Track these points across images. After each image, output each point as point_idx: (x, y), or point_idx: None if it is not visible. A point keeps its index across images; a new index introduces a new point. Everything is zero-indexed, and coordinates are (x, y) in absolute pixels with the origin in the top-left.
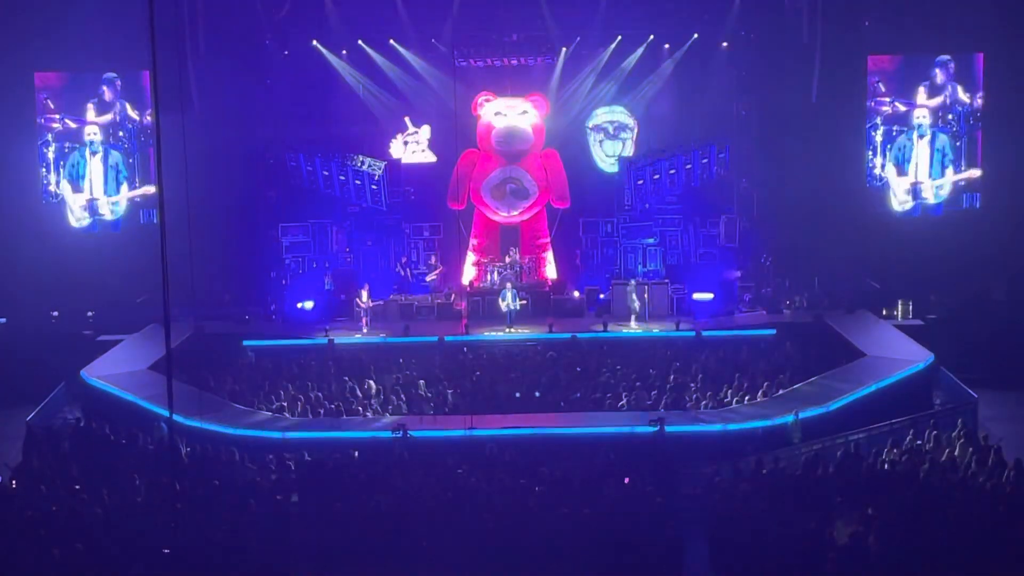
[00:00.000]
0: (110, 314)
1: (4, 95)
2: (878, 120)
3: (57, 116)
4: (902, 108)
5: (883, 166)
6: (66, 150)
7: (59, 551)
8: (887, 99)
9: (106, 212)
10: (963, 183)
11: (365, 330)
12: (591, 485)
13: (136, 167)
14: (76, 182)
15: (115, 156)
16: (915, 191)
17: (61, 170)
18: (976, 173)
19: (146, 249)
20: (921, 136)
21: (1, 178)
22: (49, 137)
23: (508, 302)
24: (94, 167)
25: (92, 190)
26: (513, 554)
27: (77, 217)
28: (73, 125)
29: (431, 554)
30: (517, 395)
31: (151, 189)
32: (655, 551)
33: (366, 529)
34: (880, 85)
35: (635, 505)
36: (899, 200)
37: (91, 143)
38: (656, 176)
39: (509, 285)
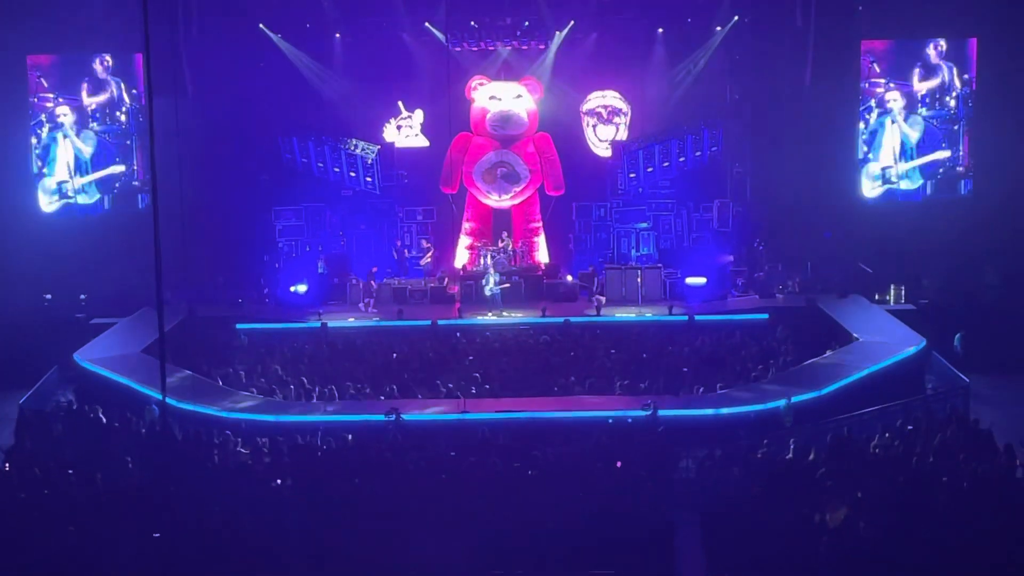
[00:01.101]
0: (103, 297)
1: None
2: (872, 103)
3: (51, 97)
4: (892, 95)
5: (866, 152)
6: (57, 133)
7: (51, 534)
8: (881, 82)
9: (87, 195)
10: (958, 168)
11: (371, 311)
12: (583, 469)
13: (130, 150)
14: (63, 163)
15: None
16: (884, 176)
17: (52, 153)
18: (945, 154)
19: (139, 232)
20: (893, 121)
21: None
22: (43, 118)
23: (491, 286)
24: (80, 149)
25: (74, 172)
26: (506, 537)
27: (49, 201)
28: (66, 110)
29: (424, 537)
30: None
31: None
32: (647, 534)
33: (359, 512)
34: (875, 67)
35: (627, 489)
36: (870, 186)
37: (77, 125)
38: (649, 161)
39: (491, 270)
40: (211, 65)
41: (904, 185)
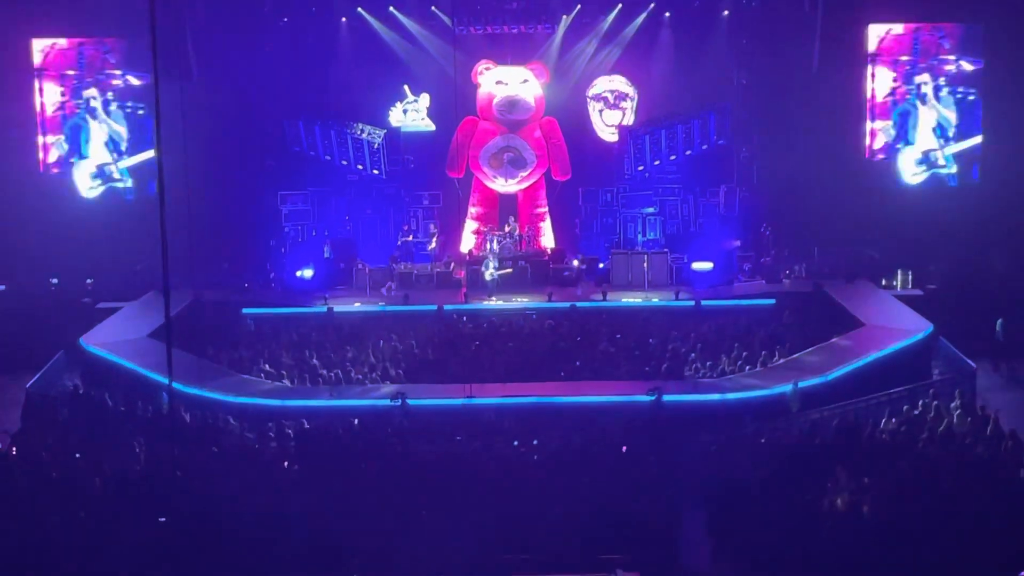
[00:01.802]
0: (109, 282)
1: (1, 63)
2: (880, 88)
3: (56, 82)
4: (922, 76)
5: (892, 135)
6: (65, 117)
7: (58, 517)
8: (889, 68)
9: (116, 178)
10: (966, 153)
11: (393, 293)
12: (589, 454)
13: (135, 135)
14: (78, 150)
15: (114, 123)
16: (927, 160)
17: (62, 138)
18: (977, 140)
19: (144, 217)
20: (924, 103)
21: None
22: (48, 103)
23: (491, 271)
24: (95, 134)
25: (96, 157)
26: (511, 522)
27: (88, 185)
28: (94, 92)
29: (430, 522)
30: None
31: (149, 154)
32: (653, 519)
33: (365, 497)
34: (882, 54)
35: (633, 473)
36: (910, 172)
37: (91, 110)
38: (656, 146)
39: (491, 255)
40: (217, 49)
41: (944, 169)
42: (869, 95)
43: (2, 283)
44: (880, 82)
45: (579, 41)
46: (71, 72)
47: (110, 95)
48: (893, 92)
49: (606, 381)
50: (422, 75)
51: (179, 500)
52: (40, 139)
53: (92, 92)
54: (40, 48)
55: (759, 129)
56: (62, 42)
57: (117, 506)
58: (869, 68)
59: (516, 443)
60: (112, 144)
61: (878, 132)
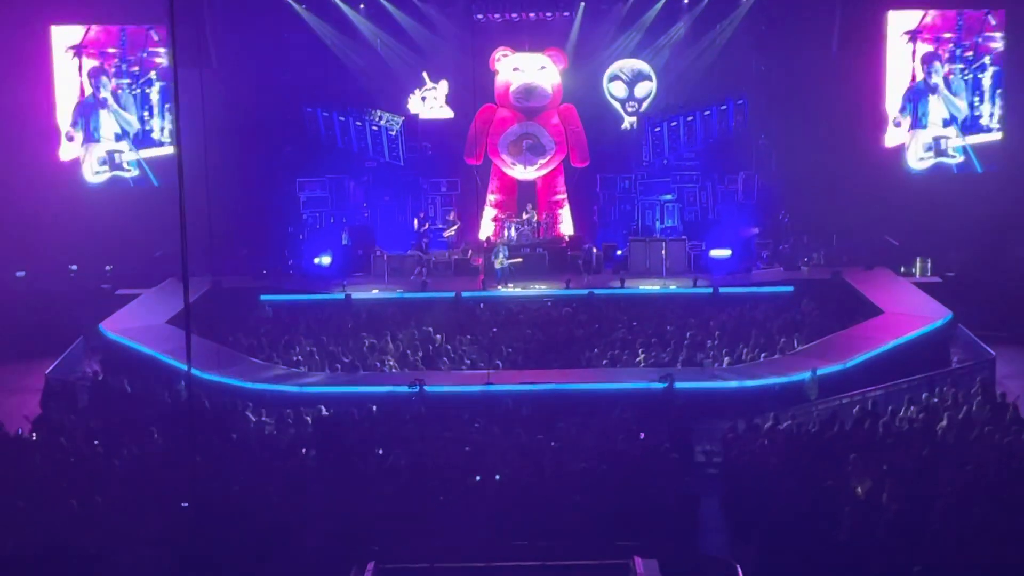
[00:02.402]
0: (128, 268)
1: (20, 48)
2: (900, 74)
3: (76, 68)
4: (935, 65)
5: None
6: (84, 104)
7: (77, 502)
8: (909, 53)
9: (126, 166)
10: (982, 140)
11: (424, 279)
12: (607, 441)
13: (153, 121)
14: (93, 135)
15: (125, 112)
16: (936, 146)
17: (79, 124)
18: (997, 137)
19: (163, 204)
20: (935, 91)
21: (20, 132)
22: (67, 90)
23: (501, 260)
24: (110, 121)
25: (109, 143)
26: (529, 508)
27: (95, 171)
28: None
29: (447, 509)
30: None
31: (169, 150)
32: (670, 507)
33: (383, 484)
34: (923, 31)
35: (650, 461)
36: (917, 156)
37: (107, 97)
38: (674, 133)
39: (501, 243)
40: (236, 37)
41: (955, 159)
42: (889, 80)
43: (22, 270)
44: (899, 66)
45: (597, 28)
46: (113, 50)
47: (127, 81)
48: (911, 78)
49: (623, 368)
50: (440, 62)
51: (197, 486)
52: (60, 125)
53: (109, 80)
54: (60, 35)
55: (778, 116)
56: (81, 29)
57: (136, 491)
58: (896, 48)
59: (536, 432)
60: (125, 133)
61: (896, 117)
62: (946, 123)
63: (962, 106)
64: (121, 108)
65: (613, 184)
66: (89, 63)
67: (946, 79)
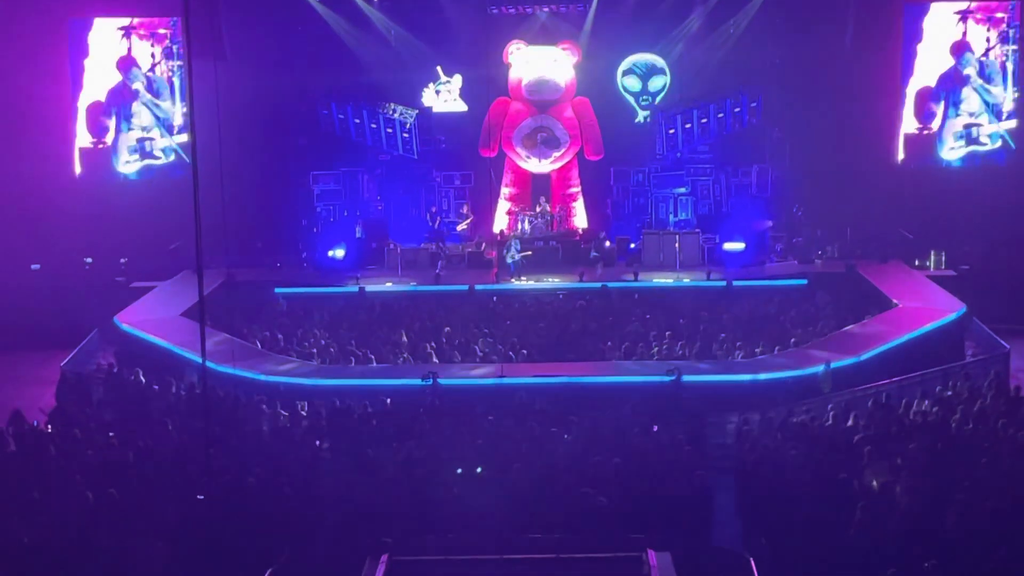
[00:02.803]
0: (143, 261)
1: (37, 40)
2: (921, 65)
3: (94, 61)
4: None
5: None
6: (116, 93)
7: (93, 494)
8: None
9: (156, 153)
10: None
11: (443, 272)
12: (620, 433)
13: (169, 114)
14: (125, 126)
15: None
16: (968, 135)
17: (112, 113)
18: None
19: (177, 197)
20: (967, 82)
21: (36, 124)
22: (97, 81)
23: (512, 253)
24: (142, 111)
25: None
26: (542, 501)
27: (125, 160)
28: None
29: (460, 500)
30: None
31: (183, 138)
32: (683, 500)
33: (396, 476)
34: (919, 31)
35: (664, 454)
36: (949, 146)
37: (139, 88)
38: (688, 125)
39: (514, 237)
40: (250, 30)
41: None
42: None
43: (37, 263)
44: (924, 57)
45: (611, 21)
46: (164, 31)
47: (177, 63)
48: (930, 70)
49: (636, 361)
50: (454, 56)
51: (212, 478)
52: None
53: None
54: (77, 27)
55: (792, 109)
56: (98, 21)
57: (150, 484)
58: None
59: (550, 425)
60: (158, 120)
61: (931, 108)
62: (973, 114)
63: (997, 92)
64: (155, 96)
65: (627, 177)
66: (140, 44)
67: (980, 66)
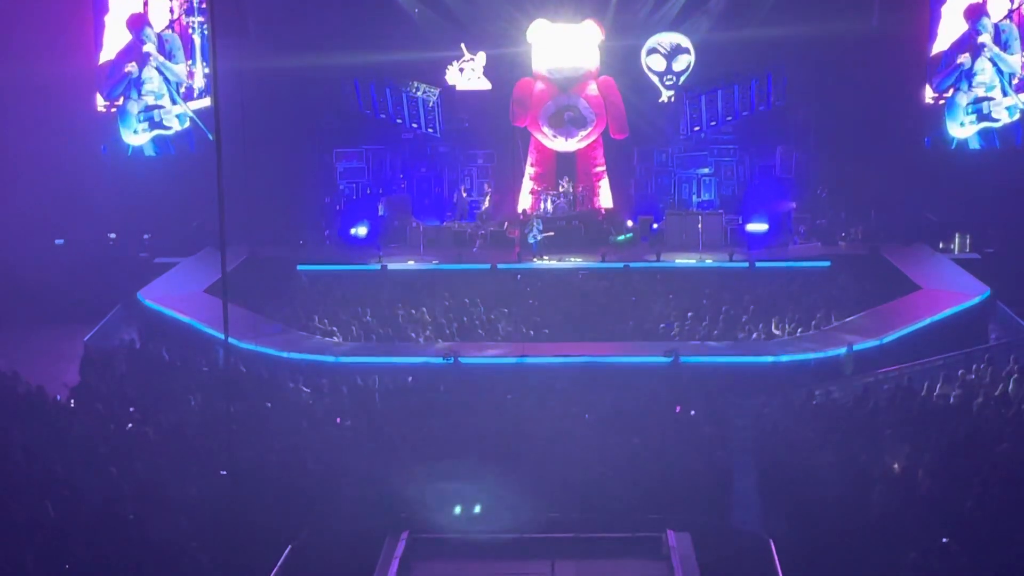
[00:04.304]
0: (166, 237)
1: (55, 12)
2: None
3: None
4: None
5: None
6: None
7: (116, 469)
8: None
9: (166, 123)
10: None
11: (477, 251)
12: (640, 413)
13: (181, 78)
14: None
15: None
16: (979, 111)
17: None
18: None
19: (201, 173)
20: (981, 51)
21: (59, 99)
22: (105, 40)
23: (534, 233)
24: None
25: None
26: (561, 480)
27: (134, 129)
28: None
29: (480, 479)
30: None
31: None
32: (703, 480)
33: (416, 454)
34: (943, 9)
35: (684, 434)
36: (958, 121)
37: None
38: (712, 107)
39: (536, 216)
40: (274, 6)
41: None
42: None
43: (62, 238)
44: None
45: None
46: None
47: (196, 19)
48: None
49: (658, 342)
50: (478, 34)
51: (234, 454)
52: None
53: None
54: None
55: (817, 90)
56: None
57: (174, 459)
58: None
59: (570, 405)
60: (169, 84)
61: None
62: (989, 87)
63: (1013, 60)
64: (168, 58)
65: (650, 157)
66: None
67: (996, 31)
